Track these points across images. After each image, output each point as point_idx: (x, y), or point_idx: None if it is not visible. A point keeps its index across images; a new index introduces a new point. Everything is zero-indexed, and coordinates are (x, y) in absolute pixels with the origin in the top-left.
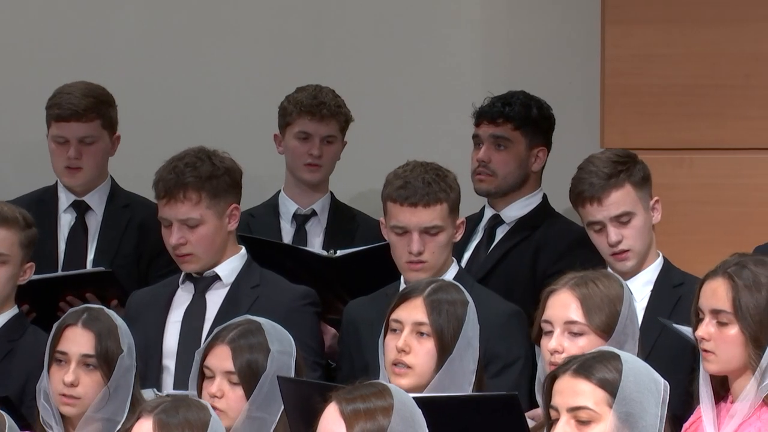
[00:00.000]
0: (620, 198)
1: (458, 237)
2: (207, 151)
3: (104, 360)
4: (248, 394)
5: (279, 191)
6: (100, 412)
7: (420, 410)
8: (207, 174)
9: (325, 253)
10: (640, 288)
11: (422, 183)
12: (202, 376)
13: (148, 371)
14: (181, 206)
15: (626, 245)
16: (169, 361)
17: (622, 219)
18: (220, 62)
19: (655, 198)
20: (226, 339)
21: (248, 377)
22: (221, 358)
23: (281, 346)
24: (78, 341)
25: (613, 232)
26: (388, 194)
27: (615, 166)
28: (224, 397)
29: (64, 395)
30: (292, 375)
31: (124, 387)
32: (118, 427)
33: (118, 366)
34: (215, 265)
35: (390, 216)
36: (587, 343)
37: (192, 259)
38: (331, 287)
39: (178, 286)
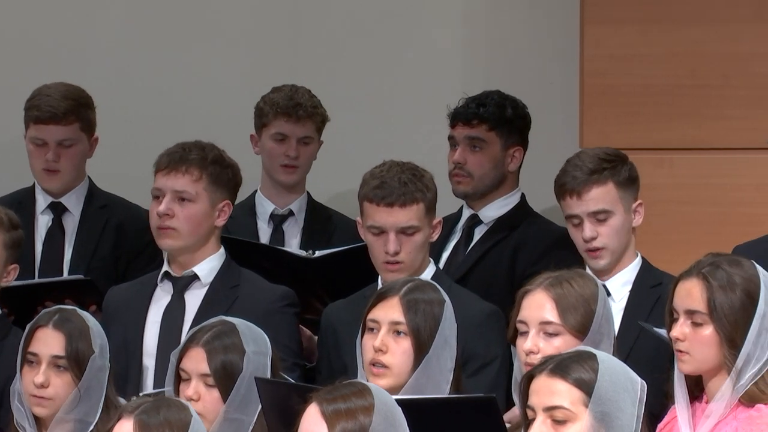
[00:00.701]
0: (600, 195)
1: (435, 237)
2: (218, 147)
3: (75, 361)
4: (225, 395)
5: (255, 191)
6: (72, 413)
7: (400, 409)
8: (213, 159)
9: (303, 253)
10: (619, 288)
11: (398, 183)
12: (179, 379)
13: (129, 371)
14: (180, 178)
15: (600, 243)
16: (149, 361)
17: (600, 216)
18: (197, 63)
19: (639, 201)
20: (200, 341)
21: (224, 379)
22: (196, 361)
23: (256, 346)
24: (48, 342)
25: (589, 228)
26: (365, 194)
27: (600, 163)
28: (201, 399)
29: (35, 396)
30: (269, 375)
31: (96, 388)
32: (91, 428)
33: (89, 367)
34: (194, 262)
35: (366, 216)
36: (562, 344)
37: (172, 234)
38: (310, 288)
39: (156, 285)
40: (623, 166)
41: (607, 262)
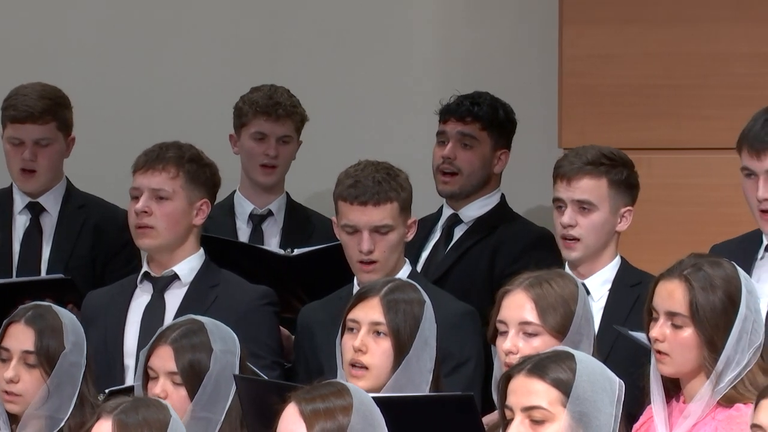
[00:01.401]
0: (589, 186)
1: (410, 237)
2: (196, 147)
3: (45, 357)
4: (192, 394)
5: (234, 191)
6: (41, 409)
7: (379, 409)
8: (190, 157)
9: (282, 252)
10: (598, 287)
11: (372, 182)
12: (147, 377)
13: (110, 371)
14: (157, 176)
15: (577, 233)
16: (130, 361)
17: (584, 205)
18: (175, 63)
19: (629, 208)
20: (168, 339)
21: (191, 377)
22: (164, 359)
23: (224, 345)
24: (19, 338)
25: (569, 214)
26: (339, 193)
27: (601, 158)
28: (168, 397)
29: (6, 392)
30: (236, 373)
31: (68, 384)
32: (61, 424)
33: (59, 363)
34: (174, 261)
35: (341, 215)
36: (542, 344)
37: (150, 234)
38: (288, 286)
39: (136, 286)
40: (623, 169)
41: (580, 255)
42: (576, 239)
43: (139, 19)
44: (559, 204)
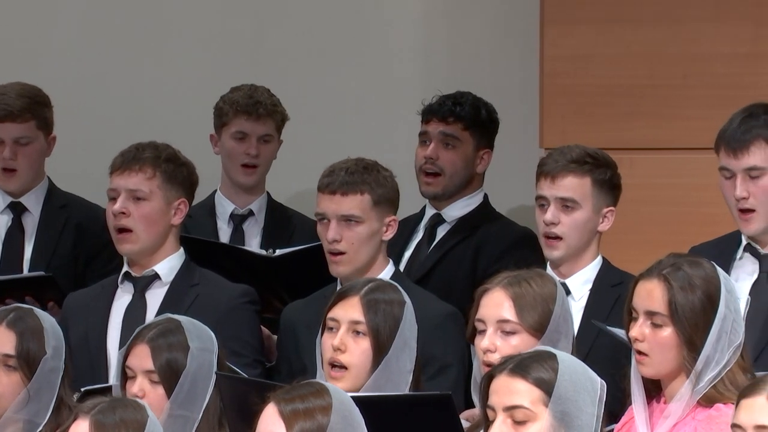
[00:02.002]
0: (572, 185)
1: (388, 235)
2: (173, 147)
3: (25, 361)
4: (169, 392)
5: (215, 191)
6: (20, 413)
7: (358, 409)
8: (167, 157)
9: (264, 252)
10: (579, 287)
11: (345, 173)
12: (126, 376)
13: (93, 371)
14: (134, 176)
15: (559, 231)
16: (113, 361)
17: (567, 203)
18: (156, 62)
19: (611, 208)
20: (145, 338)
21: (168, 376)
22: (141, 358)
23: (202, 343)
24: (0, 340)
25: (552, 212)
26: (318, 185)
27: (585, 157)
28: (145, 396)
29: None
30: (214, 372)
31: (47, 389)
32: (39, 428)
33: (40, 368)
34: (154, 261)
35: (316, 205)
36: (520, 342)
37: (130, 238)
38: (270, 287)
39: (117, 287)
40: (607, 170)
41: (562, 254)
42: (558, 237)
43: (121, 18)
44: (542, 202)
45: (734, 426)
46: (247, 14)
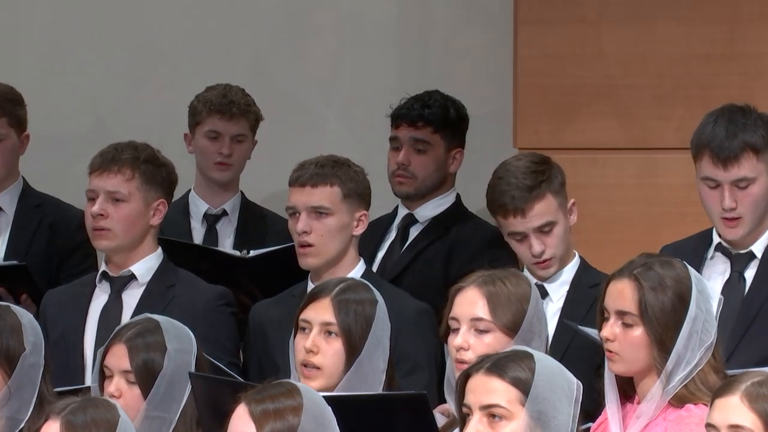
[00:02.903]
0: (543, 209)
1: (358, 230)
2: (152, 147)
3: (5, 358)
4: (146, 393)
5: (189, 191)
6: (2, 410)
7: (330, 409)
8: (146, 158)
9: (238, 253)
10: (557, 288)
11: (315, 166)
12: (103, 375)
13: (71, 371)
14: (113, 178)
15: (549, 254)
16: (89, 361)
17: (545, 229)
18: (130, 62)
19: (572, 201)
20: (123, 338)
21: (145, 376)
22: (118, 357)
23: (180, 344)
24: None
25: (537, 243)
26: (288, 180)
27: (535, 177)
28: (122, 396)
29: None
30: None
31: (28, 385)
32: (21, 425)
33: (20, 364)
34: (131, 261)
35: (287, 200)
36: (493, 341)
37: (108, 236)
38: (245, 288)
39: (95, 286)
40: (553, 172)
41: (556, 268)
42: (550, 258)
43: (94, 17)
44: (517, 236)
45: (708, 426)
46: (219, 13)
